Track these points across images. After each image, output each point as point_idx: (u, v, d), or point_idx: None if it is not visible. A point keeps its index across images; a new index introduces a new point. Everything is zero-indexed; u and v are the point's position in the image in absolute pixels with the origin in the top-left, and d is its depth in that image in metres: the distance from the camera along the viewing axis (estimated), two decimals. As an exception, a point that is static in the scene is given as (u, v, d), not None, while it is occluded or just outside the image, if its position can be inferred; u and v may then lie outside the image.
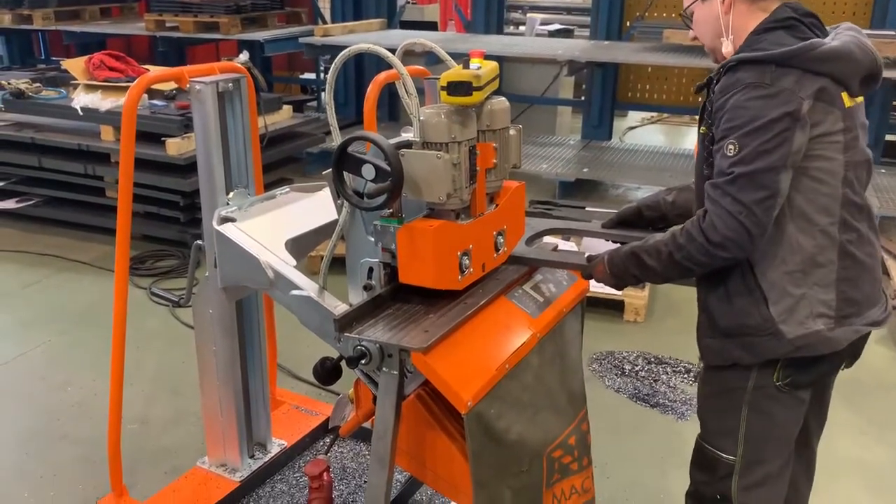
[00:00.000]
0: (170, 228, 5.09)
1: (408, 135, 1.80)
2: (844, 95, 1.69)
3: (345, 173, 1.73)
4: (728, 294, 1.78)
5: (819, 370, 1.83)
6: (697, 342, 1.90)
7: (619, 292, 4.04)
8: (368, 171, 1.66)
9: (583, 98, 7.24)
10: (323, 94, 8.20)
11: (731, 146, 1.65)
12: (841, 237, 1.72)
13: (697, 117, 1.83)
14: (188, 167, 4.75)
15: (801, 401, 1.87)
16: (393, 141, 1.71)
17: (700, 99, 1.84)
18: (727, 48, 1.78)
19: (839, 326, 1.74)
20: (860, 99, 1.76)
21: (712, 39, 1.82)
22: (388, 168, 1.62)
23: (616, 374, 3.63)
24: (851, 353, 1.85)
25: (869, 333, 1.84)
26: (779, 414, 1.84)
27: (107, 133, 5.06)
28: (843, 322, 1.75)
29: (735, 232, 1.64)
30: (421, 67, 2.32)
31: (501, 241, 1.89)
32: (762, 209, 1.63)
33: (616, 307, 4.21)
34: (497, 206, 1.87)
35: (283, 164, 5.65)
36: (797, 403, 1.86)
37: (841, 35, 1.74)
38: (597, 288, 3.82)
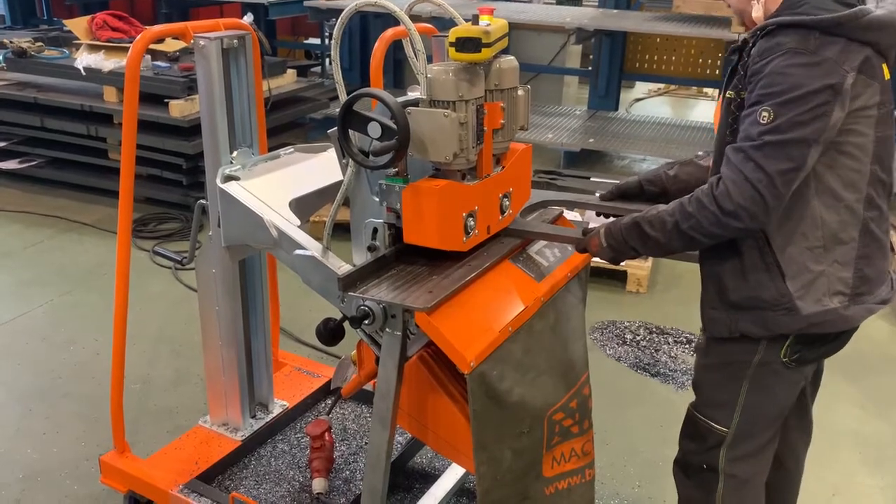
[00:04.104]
0: (172, 191, 5.08)
1: (414, 94, 1.78)
2: (885, 67, 1.64)
3: (350, 131, 1.71)
4: (743, 267, 1.72)
5: (828, 348, 1.81)
6: (701, 314, 1.85)
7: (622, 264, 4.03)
8: (374, 129, 1.64)
9: (590, 68, 7.17)
10: (328, 59, 8.14)
11: (765, 113, 1.56)
12: (865, 214, 1.68)
13: (724, 80, 1.75)
14: (191, 129, 4.73)
15: (804, 377, 1.86)
16: (400, 99, 1.68)
17: (729, 64, 1.75)
18: (757, 12, 1.69)
19: (854, 304, 1.71)
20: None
21: (741, 1, 1.74)
22: (395, 126, 1.60)
23: (617, 344, 3.64)
24: None
25: None
26: (780, 390, 1.83)
27: (109, 94, 5.03)
28: (857, 300, 1.71)
29: (751, 201, 1.57)
30: (429, 25, 2.28)
31: (507, 203, 1.87)
32: (784, 181, 1.56)
33: (619, 278, 4.21)
34: (503, 167, 1.85)
35: (286, 128, 5.62)
36: (798, 379, 1.85)
37: (886, 3, 1.73)
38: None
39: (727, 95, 1.70)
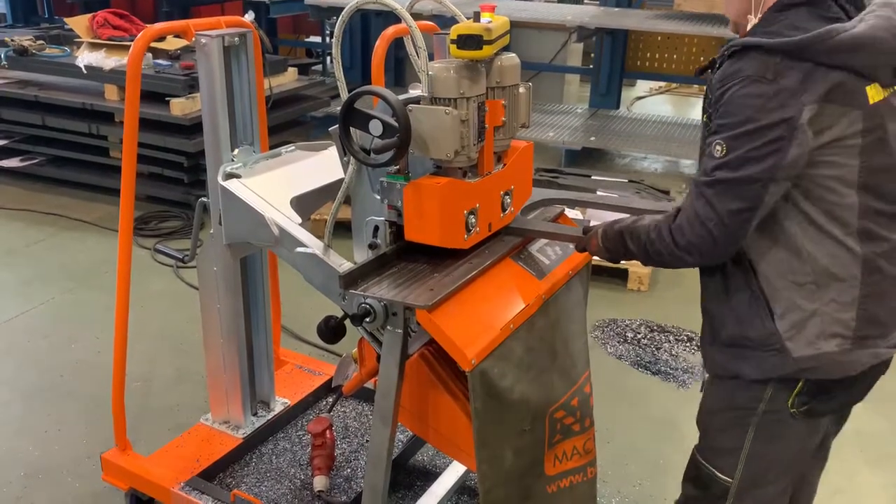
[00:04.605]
0: (174, 189, 5.08)
1: (416, 91, 1.77)
2: (872, 89, 1.47)
3: (352, 129, 1.70)
4: (732, 304, 1.62)
5: (843, 398, 1.66)
6: (700, 349, 1.77)
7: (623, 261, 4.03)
8: (376, 127, 1.64)
9: (591, 66, 7.17)
10: (329, 57, 8.14)
11: (718, 146, 1.47)
12: (864, 250, 1.52)
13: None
14: (193, 128, 4.73)
15: (820, 428, 1.70)
16: (401, 97, 1.68)
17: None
18: (752, 26, 1.57)
19: (857, 349, 1.56)
20: (893, 89, 1.53)
21: (738, 15, 1.62)
22: (396, 123, 1.60)
23: (618, 342, 3.64)
24: (884, 368, 1.67)
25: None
26: (791, 442, 1.67)
27: (111, 92, 5.03)
28: (862, 344, 1.56)
29: (700, 239, 1.50)
30: (430, 23, 2.28)
31: (508, 201, 1.87)
32: (737, 221, 1.47)
33: (620, 276, 4.20)
34: (505, 165, 1.85)
35: (287, 127, 5.61)
36: (813, 431, 1.69)
37: (870, 16, 1.48)
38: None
39: (703, 119, 1.62)
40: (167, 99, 4.74)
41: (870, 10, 1.51)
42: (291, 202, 2.06)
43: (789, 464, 1.72)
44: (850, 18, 1.51)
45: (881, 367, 1.65)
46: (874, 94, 1.48)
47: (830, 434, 1.87)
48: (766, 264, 1.56)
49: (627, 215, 1.76)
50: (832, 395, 1.63)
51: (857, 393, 1.68)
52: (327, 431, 2.39)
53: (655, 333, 3.70)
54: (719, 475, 1.73)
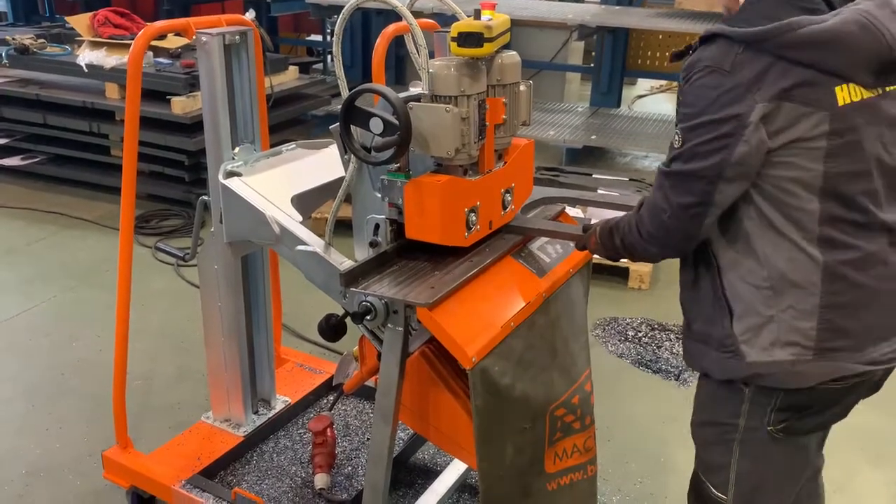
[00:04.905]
0: (175, 188, 5.08)
1: (416, 89, 1.78)
2: (843, 90, 1.37)
3: (352, 127, 1.71)
4: (697, 295, 1.60)
5: (823, 417, 1.59)
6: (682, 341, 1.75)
7: (623, 259, 4.03)
8: (376, 125, 1.64)
9: (592, 65, 7.16)
10: (329, 56, 8.14)
11: (676, 136, 1.45)
12: (826, 257, 1.44)
13: None
14: (193, 126, 4.73)
15: (804, 446, 1.65)
16: (402, 95, 1.68)
17: None
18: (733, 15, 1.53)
19: (818, 360, 1.47)
20: (883, 90, 1.43)
21: (728, 5, 1.57)
22: (397, 121, 1.60)
23: (619, 340, 3.64)
24: (873, 387, 1.61)
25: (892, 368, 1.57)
26: (777, 460, 1.62)
27: (111, 91, 5.03)
28: (824, 355, 1.47)
29: (658, 230, 1.50)
30: (431, 21, 2.28)
31: (509, 198, 1.87)
32: (688, 216, 1.45)
33: (621, 274, 4.20)
34: (505, 163, 1.85)
35: (288, 125, 5.61)
36: (797, 450, 1.64)
37: (848, 9, 1.39)
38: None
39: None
40: (168, 97, 4.74)
41: (853, 2, 1.42)
42: (292, 200, 2.06)
43: (781, 484, 1.67)
44: (831, 10, 1.42)
45: (862, 387, 1.56)
46: (845, 95, 1.38)
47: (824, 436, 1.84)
48: (728, 265, 1.53)
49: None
50: (809, 413, 1.56)
51: (839, 411, 1.60)
52: (328, 429, 2.39)
53: (656, 332, 3.70)
54: (714, 491, 1.70)
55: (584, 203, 2.25)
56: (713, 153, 1.39)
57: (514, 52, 1.77)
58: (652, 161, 6.47)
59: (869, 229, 1.45)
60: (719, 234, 1.52)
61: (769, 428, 1.56)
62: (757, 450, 1.60)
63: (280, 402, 2.67)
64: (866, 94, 1.40)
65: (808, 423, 1.58)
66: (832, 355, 1.48)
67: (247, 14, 2.29)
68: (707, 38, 1.44)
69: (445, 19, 2.97)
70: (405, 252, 1.81)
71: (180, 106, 4.73)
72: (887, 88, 1.43)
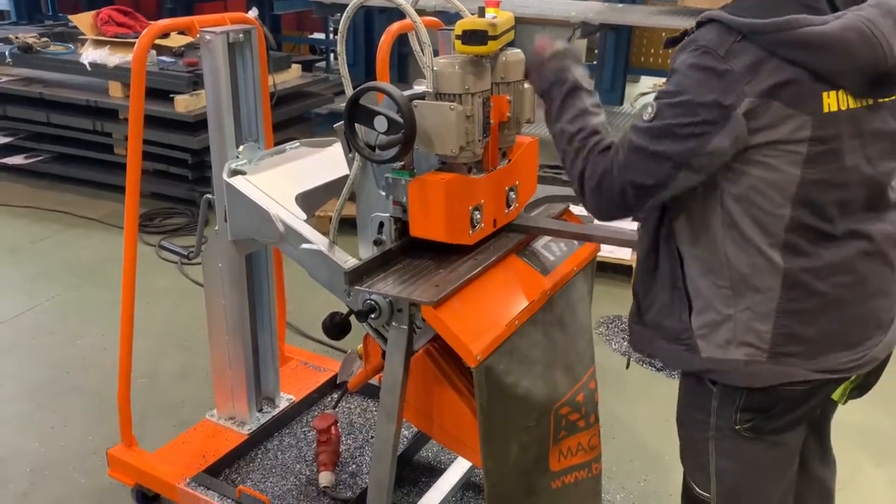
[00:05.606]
0: (178, 186, 5.09)
1: (420, 87, 1.77)
2: (830, 96, 1.33)
3: (356, 125, 1.70)
4: (656, 285, 1.58)
5: (791, 416, 1.55)
6: (628, 326, 1.72)
7: (627, 257, 4.02)
8: (381, 123, 1.64)
9: (595, 62, 7.15)
10: (332, 54, 8.13)
11: (650, 108, 1.39)
12: (787, 264, 1.41)
13: None
14: (197, 124, 4.73)
15: (780, 443, 1.60)
16: (406, 93, 1.68)
17: None
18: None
19: (771, 364, 1.46)
20: (875, 101, 1.38)
21: None
22: (401, 120, 1.60)
23: (623, 338, 3.63)
24: (862, 384, 1.59)
25: (884, 363, 1.57)
26: (752, 459, 1.59)
27: (115, 89, 5.04)
28: (777, 360, 1.46)
29: (596, 193, 1.46)
30: (434, 19, 2.28)
31: (513, 196, 1.87)
32: (635, 194, 1.41)
33: (624, 272, 4.19)
34: (510, 161, 1.85)
35: (291, 123, 5.62)
36: (772, 447, 1.59)
37: (851, 13, 1.34)
38: (606, 252, 3.77)
39: None
40: (171, 96, 4.74)
41: (857, 7, 1.37)
42: (296, 199, 2.06)
43: (766, 481, 1.63)
44: (834, 12, 1.37)
45: (823, 391, 1.53)
46: (832, 101, 1.34)
47: (826, 433, 1.82)
48: (692, 260, 1.51)
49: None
50: (774, 412, 1.53)
51: (806, 412, 1.56)
52: (332, 427, 2.40)
53: (660, 329, 3.70)
54: (698, 490, 1.69)
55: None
56: (688, 137, 1.34)
57: (519, 50, 1.77)
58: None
59: (834, 239, 1.42)
60: (686, 230, 1.51)
61: (737, 427, 1.55)
62: (732, 448, 1.59)
63: (284, 400, 2.68)
64: (854, 104, 1.36)
65: (774, 422, 1.55)
66: (785, 360, 1.46)
67: (250, 12, 2.29)
68: (704, 23, 1.41)
69: (449, 17, 2.97)
70: (409, 250, 1.81)
71: (184, 104, 4.73)
72: (880, 100, 1.39)
